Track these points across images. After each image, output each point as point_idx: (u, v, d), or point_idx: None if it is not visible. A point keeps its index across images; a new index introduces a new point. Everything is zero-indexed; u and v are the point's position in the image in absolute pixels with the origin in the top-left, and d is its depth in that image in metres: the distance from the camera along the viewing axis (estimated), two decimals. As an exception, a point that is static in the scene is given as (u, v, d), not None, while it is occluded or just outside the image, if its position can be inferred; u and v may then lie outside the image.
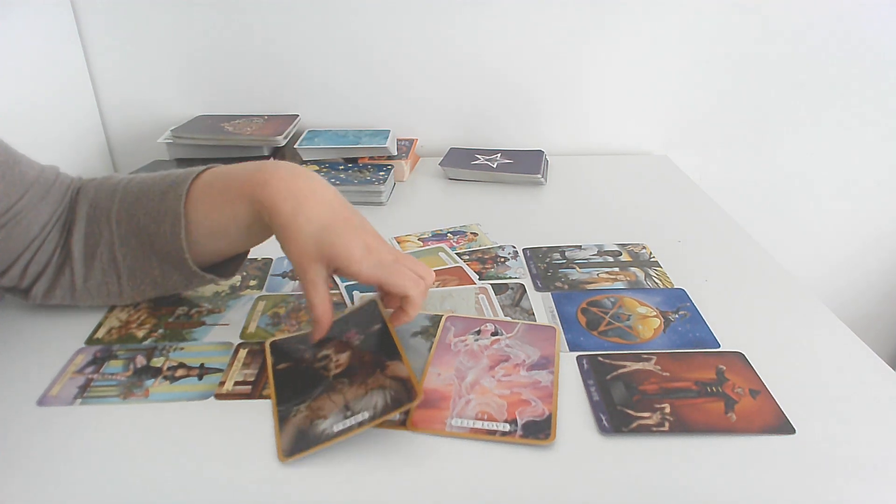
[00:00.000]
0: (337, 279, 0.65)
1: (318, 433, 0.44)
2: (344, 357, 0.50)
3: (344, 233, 0.49)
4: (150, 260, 0.55)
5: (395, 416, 0.45)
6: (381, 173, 0.88)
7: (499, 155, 0.98)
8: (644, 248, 0.72)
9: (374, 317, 0.53)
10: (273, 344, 0.55)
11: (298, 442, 0.44)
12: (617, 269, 0.68)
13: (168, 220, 0.53)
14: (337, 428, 0.44)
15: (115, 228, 0.54)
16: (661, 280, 0.65)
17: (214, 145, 0.90)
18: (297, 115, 1.00)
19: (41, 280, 0.55)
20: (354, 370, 0.49)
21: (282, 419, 0.46)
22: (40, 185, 0.54)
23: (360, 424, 0.43)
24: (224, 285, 0.64)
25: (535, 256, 0.70)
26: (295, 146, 0.93)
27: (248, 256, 0.61)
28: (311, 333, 0.52)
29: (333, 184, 0.76)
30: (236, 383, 0.51)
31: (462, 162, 0.95)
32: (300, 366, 0.51)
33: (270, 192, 0.50)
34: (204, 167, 0.56)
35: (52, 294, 0.56)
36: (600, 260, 0.70)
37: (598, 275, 0.67)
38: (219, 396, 0.49)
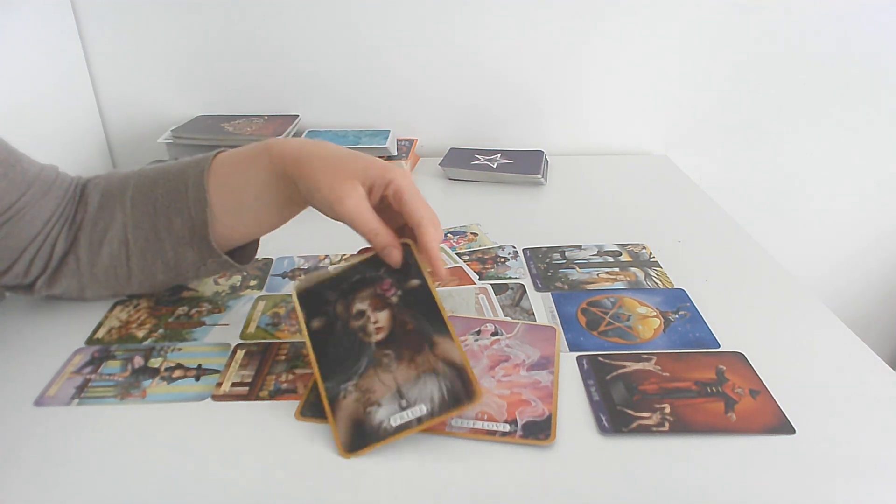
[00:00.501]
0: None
1: (376, 426, 0.43)
2: (383, 318, 0.48)
3: (370, 156, 0.50)
4: (163, 241, 0.54)
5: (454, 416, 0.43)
6: (381, 173, 0.88)
7: (499, 155, 0.98)
8: (644, 248, 0.72)
9: (410, 269, 0.49)
10: (302, 293, 0.51)
11: (357, 436, 0.43)
12: (617, 270, 0.67)
13: (190, 194, 0.53)
14: (395, 422, 0.43)
15: (130, 211, 0.55)
16: (661, 280, 0.65)
17: (214, 145, 0.89)
18: (297, 115, 0.99)
19: (46, 273, 0.55)
20: (398, 340, 0.47)
21: (332, 400, 0.45)
22: (42, 182, 0.54)
23: (420, 421, 0.43)
24: (224, 285, 0.64)
25: (535, 256, 0.70)
26: (294, 146, 0.93)
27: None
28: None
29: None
30: (233, 384, 0.51)
31: (462, 162, 0.95)
32: (336, 325, 0.49)
33: (289, 145, 0.52)
34: (221, 149, 0.56)
35: (57, 283, 0.56)
36: (600, 260, 0.69)
37: (598, 275, 0.66)
38: (216, 398, 0.49)
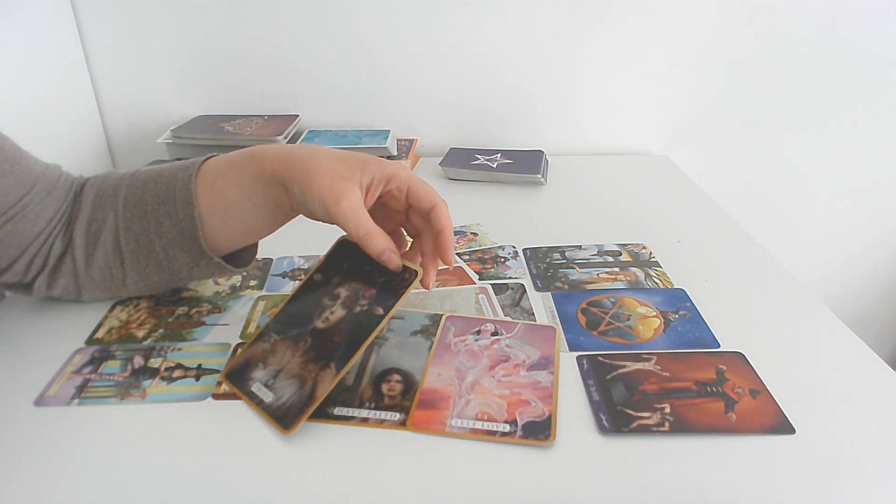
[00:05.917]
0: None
1: (245, 378, 0.49)
2: (336, 316, 0.50)
3: (364, 154, 0.51)
4: (154, 243, 0.54)
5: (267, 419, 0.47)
6: (381, 173, 0.88)
7: (499, 155, 0.98)
8: (644, 248, 0.72)
9: (394, 294, 0.49)
10: (344, 243, 0.53)
11: (236, 371, 0.50)
12: (617, 269, 0.67)
13: (178, 197, 0.53)
14: (250, 387, 0.48)
15: (122, 212, 0.55)
16: (661, 280, 0.65)
17: (214, 145, 0.90)
18: (297, 115, 0.99)
19: (44, 272, 0.55)
20: (320, 340, 0.49)
21: (259, 336, 0.52)
22: (46, 180, 0.55)
23: (255, 401, 0.47)
24: (224, 285, 0.64)
25: (535, 256, 0.70)
26: (295, 146, 0.93)
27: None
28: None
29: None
30: (235, 383, 0.51)
31: (462, 162, 0.95)
32: (322, 289, 0.52)
33: (280, 150, 0.52)
34: (212, 154, 0.56)
35: (55, 284, 0.56)
36: (600, 260, 0.69)
37: (598, 275, 0.66)
38: (216, 397, 0.49)
